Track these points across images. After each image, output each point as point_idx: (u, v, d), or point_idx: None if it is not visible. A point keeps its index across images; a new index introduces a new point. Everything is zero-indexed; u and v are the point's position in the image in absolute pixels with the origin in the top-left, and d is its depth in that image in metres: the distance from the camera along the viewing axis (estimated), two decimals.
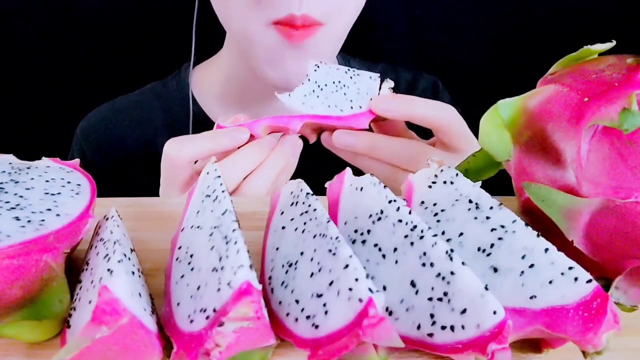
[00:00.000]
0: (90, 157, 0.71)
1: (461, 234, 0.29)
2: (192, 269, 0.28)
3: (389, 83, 0.47)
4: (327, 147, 0.47)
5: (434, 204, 0.32)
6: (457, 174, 0.32)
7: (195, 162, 0.46)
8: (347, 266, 0.25)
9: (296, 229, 0.30)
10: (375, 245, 0.29)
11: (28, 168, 0.33)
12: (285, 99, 0.46)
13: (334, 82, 0.48)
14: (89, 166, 0.71)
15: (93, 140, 0.72)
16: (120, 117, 0.72)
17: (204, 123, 0.70)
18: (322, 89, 0.47)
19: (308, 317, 0.25)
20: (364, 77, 0.49)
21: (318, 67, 0.49)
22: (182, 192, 0.45)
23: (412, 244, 0.27)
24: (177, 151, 0.43)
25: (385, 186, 0.31)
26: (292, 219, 0.31)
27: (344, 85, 0.48)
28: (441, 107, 0.45)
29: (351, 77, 0.48)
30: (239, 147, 0.44)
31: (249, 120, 0.45)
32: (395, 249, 0.28)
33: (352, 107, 0.46)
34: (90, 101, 0.75)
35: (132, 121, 0.72)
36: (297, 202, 0.31)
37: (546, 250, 0.26)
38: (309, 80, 0.47)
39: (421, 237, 0.27)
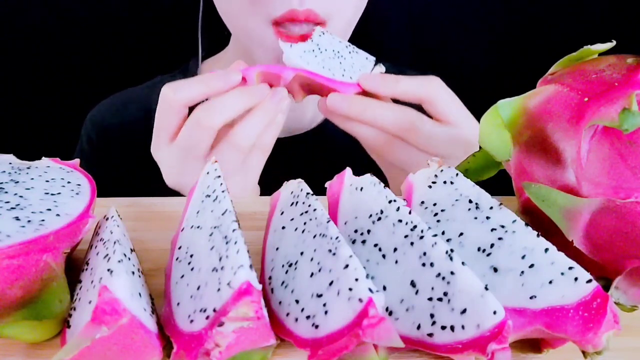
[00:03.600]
0: (98, 146, 0.72)
1: (461, 234, 0.29)
2: (192, 269, 0.28)
3: (381, 67, 0.50)
4: (321, 112, 0.48)
5: (434, 204, 0.32)
6: (457, 174, 0.32)
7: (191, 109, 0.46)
8: (347, 266, 0.25)
9: (296, 229, 0.30)
10: (375, 245, 0.29)
11: (28, 168, 0.33)
12: (286, 47, 0.49)
13: (333, 50, 0.51)
14: (96, 155, 0.72)
15: (101, 128, 0.72)
16: (128, 107, 0.73)
17: None
18: (321, 52, 0.50)
19: (308, 317, 0.25)
20: (361, 56, 0.52)
21: (323, 34, 0.52)
22: (171, 140, 0.46)
23: (412, 244, 0.27)
24: (172, 94, 0.45)
25: (385, 186, 0.31)
26: (292, 219, 0.31)
27: (342, 56, 0.51)
28: (425, 80, 0.46)
29: (349, 52, 0.52)
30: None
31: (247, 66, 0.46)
32: (395, 249, 0.28)
33: (343, 76, 0.48)
34: (93, 100, 0.74)
35: (139, 112, 0.72)
36: (297, 202, 0.31)
37: (546, 250, 0.26)
38: (311, 41, 0.50)
39: (421, 237, 0.27)
